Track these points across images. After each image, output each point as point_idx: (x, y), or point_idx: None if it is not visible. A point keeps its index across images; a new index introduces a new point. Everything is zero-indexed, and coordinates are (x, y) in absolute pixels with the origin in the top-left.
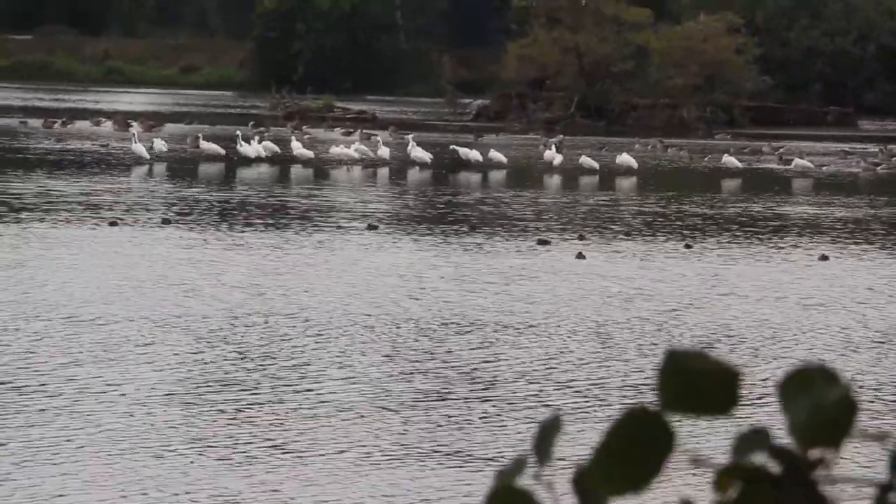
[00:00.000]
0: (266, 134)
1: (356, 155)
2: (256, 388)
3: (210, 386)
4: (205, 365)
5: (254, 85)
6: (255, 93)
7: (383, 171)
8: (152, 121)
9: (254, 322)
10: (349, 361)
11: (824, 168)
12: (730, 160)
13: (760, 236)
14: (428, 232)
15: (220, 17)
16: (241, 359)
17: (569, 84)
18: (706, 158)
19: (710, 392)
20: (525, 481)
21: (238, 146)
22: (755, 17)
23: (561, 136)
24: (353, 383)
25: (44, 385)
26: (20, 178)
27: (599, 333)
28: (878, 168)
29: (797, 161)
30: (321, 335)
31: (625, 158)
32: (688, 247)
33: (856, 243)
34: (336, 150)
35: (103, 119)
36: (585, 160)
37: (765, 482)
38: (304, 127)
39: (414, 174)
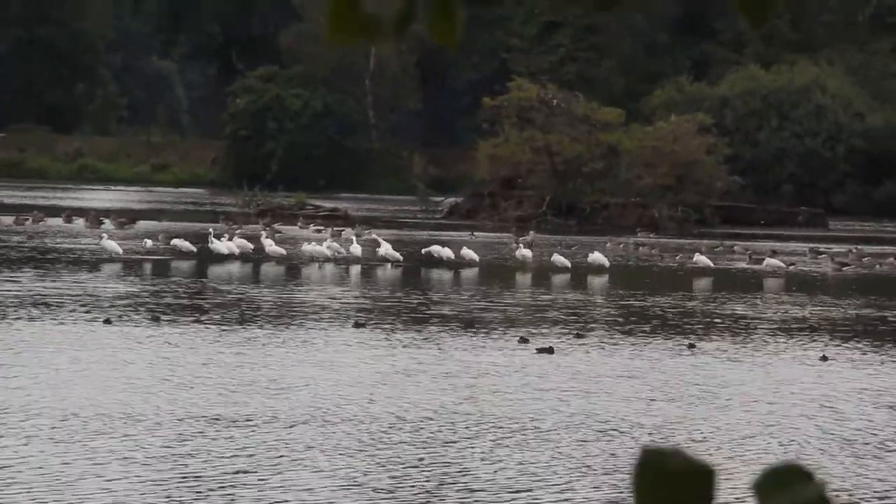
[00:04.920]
0: (238, 231)
1: (328, 252)
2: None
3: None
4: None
5: (226, 182)
6: (227, 190)
7: (355, 269)
8: (124, 217)
9: (276, 419)
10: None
11: (791, 268)
12: (701, 259)
13: (752, 336)
14: (420, 329)
15: (192, 116)
16: (228, 457)
17: (540, 183)
18: (678, 257)
19: (685, 490)
20: None
21: (210, 243)
22: (725, 118)
23: (532, 232)
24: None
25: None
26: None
27: (604, 431)
28: (845, 268)
29: (768, 260)
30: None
31: (596, 257)
32: (691, 346)
33: (848, 344)
34: (308, 248)
35: (75, 217)
36: (557, 258)
37: None
38: (275, 224)
39: (386, 272)
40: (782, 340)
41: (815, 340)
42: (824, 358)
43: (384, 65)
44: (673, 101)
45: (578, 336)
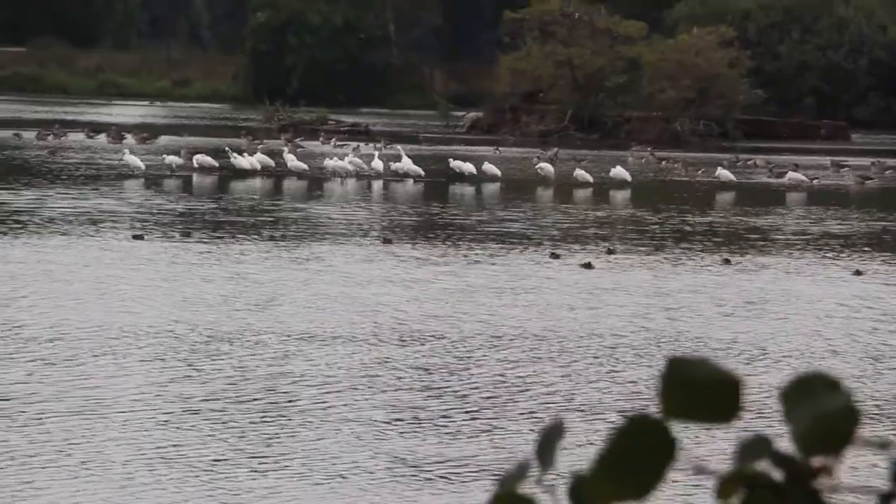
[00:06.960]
0: (260, 146)
1: (350, 167)
2: (269, 401)
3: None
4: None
5: (247, 98)
6: (248, 105)
7: (377, 184)
8: (146, 133)
9: (317, 335)
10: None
11: (814, 182)
12: (724, 173)
13: (785, 250)
14: (447, 245)
15: (212, 30)
16: (253, 375)
17: (562, 97)
18: (700, 171)
19: (711, 400)
20: (527, 487)
21: (232, 158)
22: (748, 30)
23: (555, 148)
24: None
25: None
26: (25, 192)
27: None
28: (868, 182)
29: (791, 174)
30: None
31: (618, 171)
32: (726, 262)
33: (879, 258)
34: (330, 163)
35: (96, 132)
36: (580, 173)
37: (767, 490)
38: (297, 139)
39: (408, 187)
40: (814, 256)
41: (844, 254)
42: (858, 272)
43: None
44: (695, 13)
45: (610, 252)
